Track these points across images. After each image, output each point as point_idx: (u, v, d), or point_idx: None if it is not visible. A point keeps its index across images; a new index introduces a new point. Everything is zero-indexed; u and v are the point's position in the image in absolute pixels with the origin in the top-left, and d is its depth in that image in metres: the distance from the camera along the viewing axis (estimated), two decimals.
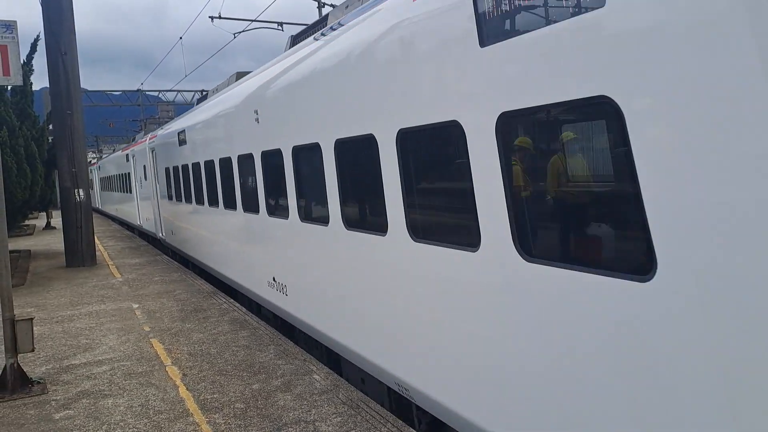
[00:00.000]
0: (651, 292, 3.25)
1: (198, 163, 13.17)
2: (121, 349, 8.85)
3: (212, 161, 11.86)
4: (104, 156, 51.80)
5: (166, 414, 6.35)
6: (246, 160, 9.80)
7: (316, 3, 24.48)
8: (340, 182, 6.67)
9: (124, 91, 52.99)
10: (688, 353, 3.10)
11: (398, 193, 5.55)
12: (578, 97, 3.55)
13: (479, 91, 4.39)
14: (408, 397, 5.85)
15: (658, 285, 3.21)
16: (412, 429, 5.65)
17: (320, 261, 7.46)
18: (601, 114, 3.61)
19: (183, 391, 6.95)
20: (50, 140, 20.11)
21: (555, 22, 3.69)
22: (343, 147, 6.56)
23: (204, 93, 18.99)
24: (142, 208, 22.63)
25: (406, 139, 5.42)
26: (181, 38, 31.12)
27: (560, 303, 3.86)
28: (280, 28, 24.10)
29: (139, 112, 55.70)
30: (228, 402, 6.55)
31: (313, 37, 7.71)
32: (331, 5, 22.05)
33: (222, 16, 23.27)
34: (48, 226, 32.41)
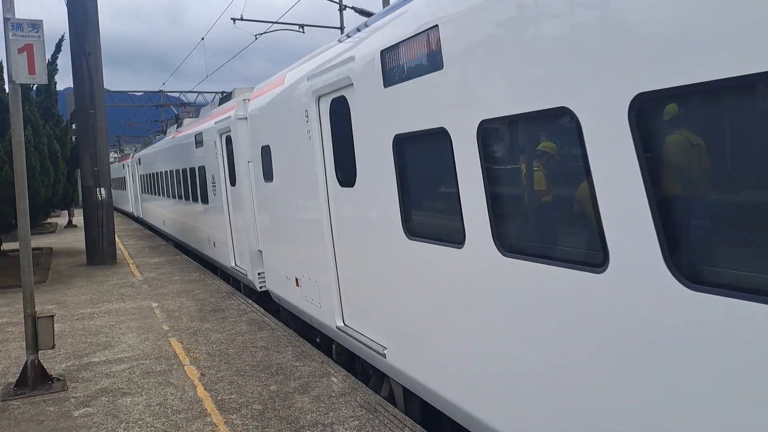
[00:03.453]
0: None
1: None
2: (140, 347, 8.90)
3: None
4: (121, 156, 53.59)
5: (184, 414, 6.36)
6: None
7: (337, 6, 24.54)
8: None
9: (145, 92, 53.48)
10: None
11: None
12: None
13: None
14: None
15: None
16: None
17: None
18: None
19: (201, 391, 6.95)
20: (73, 139, 20.32)
21: None
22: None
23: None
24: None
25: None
26: (203, 39, 31.36)
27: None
28: (301, 30, 24.19)
29: (161, 112, 56.13)
30: (246, 403, 6.54)
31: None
32: (352, 7, 22.07)
33: (244, 17, 23.40)
34: (70, 225, 32.79)
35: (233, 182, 12.10)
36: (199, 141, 14.81)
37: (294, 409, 6.30)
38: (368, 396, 6.49)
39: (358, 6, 22.49)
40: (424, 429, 5.69)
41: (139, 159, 29.83)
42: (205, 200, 14.88)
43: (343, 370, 7.36)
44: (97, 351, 8.84)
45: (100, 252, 17.70)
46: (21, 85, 7.46)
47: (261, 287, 11.33)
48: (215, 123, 12.91)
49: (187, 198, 17.30)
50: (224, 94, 14.18)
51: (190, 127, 16.57)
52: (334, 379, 7.03)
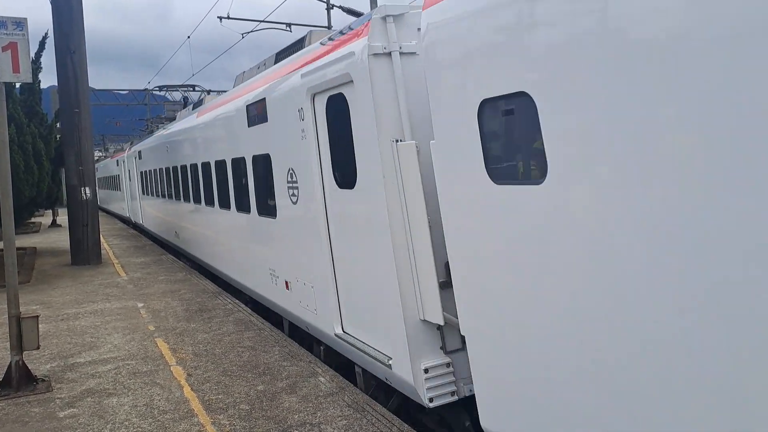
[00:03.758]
0: None
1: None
2: (125, 348, 8.84)
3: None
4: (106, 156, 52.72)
5: (170, 414, 6.33)
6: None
7: (325, 4, 24.51)
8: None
9: (131, 90, 53.16)
10: None
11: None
12: None
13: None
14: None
15: None
16: None
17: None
18: None
19: (188, 392, 6.93)
20: (58, 138, 20.14)
21: None
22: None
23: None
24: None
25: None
26: (189, 37, 31.20)
27: None
28: (288, 29, 24.13)
29: (146, 111, 55.77)
30: (233, 403, 6.53)
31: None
32: (340, 6, 22.02)
33: (230, 16, 23.31)
34: (54, 224, 32.49)
35: (346, 181, 6.67)
36: (257, 115, 9.08)
37: (281, 408, 6.29)
38: (356, 395, 6.50)
39: (346, 5, 22.50)
40: (411, 428, 5.71)
41: (139, 152, 23.71)
42: (266, 210, 9.22)
43: (331, 370, 7.36)
44: (82, 351, 8.77)
45: (84, 252, 17.56)
46: (5, 83, 7.39)
47: (432, 399, 5.69)
48: (302, 77, 7.32)
49: (224, 204, 11.49)
50: (294, 41, 9.24)
51: (229, 99, 11.09)
52: (322, 379, 7.03)
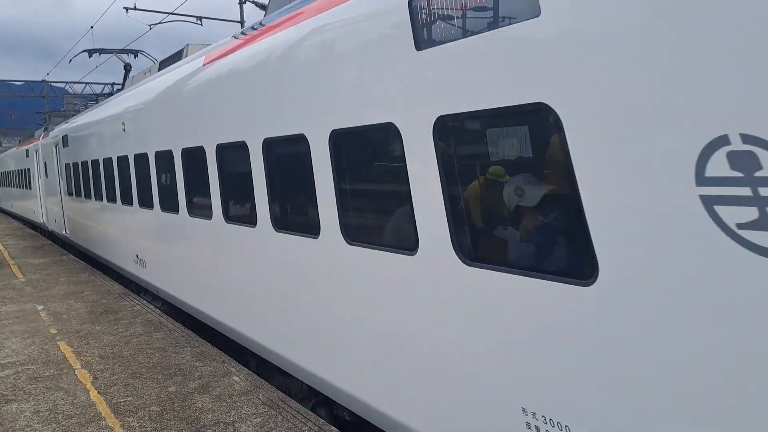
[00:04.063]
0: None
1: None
2: (25, 352, 8.41)
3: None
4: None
5: (76, 418, 6.10)
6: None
7: None
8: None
9: (27, 82, 50.20)
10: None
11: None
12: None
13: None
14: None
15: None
16: (333, 428, 5.69)
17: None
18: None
19: (94, 395, 6.69)
20: None
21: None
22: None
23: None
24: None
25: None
26: (92, 27, 29.84)
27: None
28: (198, 22, 23.55)
29: (44, 104, 52.83)
30: (143, 405, 6.36)
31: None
32: (252, 1, 21.73)
33: (137, 7, 22.50)
34: None
35: None
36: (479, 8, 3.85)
37: (194, 409, 6.20)
38: (271, 393, 6.49)
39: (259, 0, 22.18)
40: (327, 423, 5.78)
41: (65, 137, 17.87)
42: (523, 257, 3.85)
43: (245, 369, 7.31)
44: None
45: None
46: None
47: None
48: None
49: (291, 225, 6.23)
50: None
51: (282, 22, 6.14)
52: (236, 378, 6.97)
